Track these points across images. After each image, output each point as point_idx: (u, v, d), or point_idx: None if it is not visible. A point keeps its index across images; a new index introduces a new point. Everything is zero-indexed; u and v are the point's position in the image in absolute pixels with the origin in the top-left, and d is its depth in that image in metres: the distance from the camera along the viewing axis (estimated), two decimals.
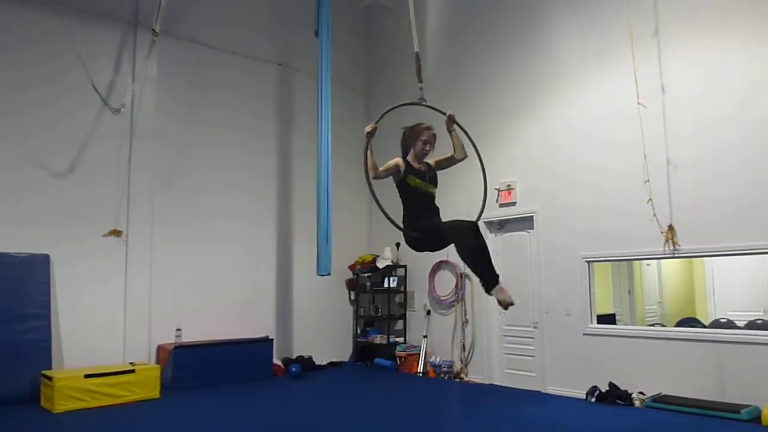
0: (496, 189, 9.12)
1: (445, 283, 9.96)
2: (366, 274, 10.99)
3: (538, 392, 8.28)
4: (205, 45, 9.69)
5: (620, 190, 7.67)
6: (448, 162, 5.36)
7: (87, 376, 7.17)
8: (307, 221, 10.01)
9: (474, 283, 9.51)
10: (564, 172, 8.35)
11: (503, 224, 9.28)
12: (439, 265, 10.04)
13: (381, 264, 10.67)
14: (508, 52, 9.30)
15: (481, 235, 4.81)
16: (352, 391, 8.72)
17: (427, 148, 5.16)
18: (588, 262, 8.06)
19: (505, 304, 4.63)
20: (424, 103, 5.45)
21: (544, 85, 8.71)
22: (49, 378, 7.02)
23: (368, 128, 4.84)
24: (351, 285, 11.34)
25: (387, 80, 11.54)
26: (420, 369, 9.85)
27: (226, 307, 9.50)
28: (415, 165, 5.11)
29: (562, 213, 8.34)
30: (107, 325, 8.32)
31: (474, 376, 9.35)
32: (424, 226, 4.96)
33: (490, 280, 4.62)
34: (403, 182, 5.03)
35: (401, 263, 10.71)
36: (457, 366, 9.55)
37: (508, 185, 9.02)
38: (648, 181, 7.26)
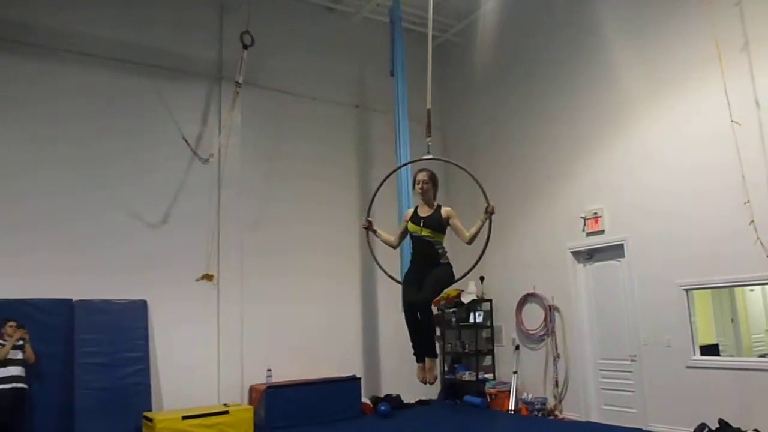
0: (581, 217, 8.87)
1: (533, 316, 9.68)
2: (451, 310, 10.85)
3: (640, 429, 7.82)
4: (285, 92, 10.05)
5: (717, 213, 7.25)
6: (456, 229, 5.21)
7: (185, 417, 7.41)
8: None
9: (564, 316, 9.21)
10: (654, 196, 8.00)
11: (592, 254, 8.96)
12: (525, 298, 9.79)
13: (466, 299, 10.51)
14: (583, 78, 9.10)
15: (431, 312, 5.09)
16: (442, 430, 8.55)
17: (419, 188, 5.27)
18: (686, 290, 7.62)
19: (425, 381, 5.18)
20: (426, 158, 5.57)
21: (624, 108, 8.45)
22: (150, 420, 7.29)
23: (364, 224, 5.36)
24: (436, 321, 11.21)
25: (462, 115, 11.56)
26: (511, 406, 9.54)
27: (314, 347, 9.62)
28: (421, 212, 5.21)
29: (655, 239, 7.96)
30: (202, 367, 8.59)
31: (569, 413, 8.97)
32: (405, 281, 5.23)
33: (429, 352, 5.21)
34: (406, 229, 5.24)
35: (486, 297, 10.51)
36: (551, 403, 9.19)
37: (595, 213, 8.74)
38: (748, 202, 6.83)
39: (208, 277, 8.83)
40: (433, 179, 5.25)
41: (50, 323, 7.54)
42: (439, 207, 5.18)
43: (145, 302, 8.26)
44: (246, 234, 9.31)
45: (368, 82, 11.10)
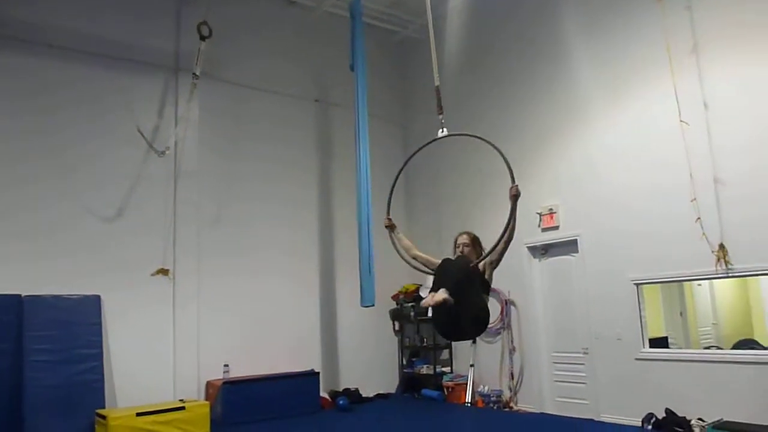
0: (537, 213, 9.05)
1: (490, 310, 9.78)
2: (410, 304, 10.94)
3: (591, 420, 8.05)
4: (243, 85, 9.96)
5: (666, 211, 7.49)
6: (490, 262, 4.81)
7: (139, 414, 7.28)
8: (349, 253, 10.08)
9: (520, 309, 9.38)
10: (607, 194, 8.22)
11: (547, 249, 9.16)
12: None
13: (424, 293, 10.58)
14: (541, 80, 9.30)
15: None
16: (400, 423, 8.64)
17: (459, 251, 5.01)
18: (637, 284, 7.86)
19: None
20: (442, 136, 5.43)
21: (582, 106, 8.65)
22: (104, 417, 7.15)
23: (385, 223, 5.11)
24: (395, 315, 11.30)
25: (423, 110, 11.59)
26: (468, 399, 9.69)
27: (271, 342, 9.57)
28: None
29: (607, 236, 8.18)
30: (157, 363, 8.46)
31: (524, 405, 9.16)
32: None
33: None
34: None
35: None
36: (506, 395, 9.37)
37: (550, 209, 8.92)
38: (695, 200, 7.09)
39: (163, 272, 8.69)
40: (474, 242, 5.04)
41: None
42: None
43: (98, 297, 8.08)
44: (203, 228, 9.19)
45: (328, 76, 11.07)
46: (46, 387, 7.31)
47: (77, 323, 7.80)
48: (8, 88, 7.91)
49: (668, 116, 7.39)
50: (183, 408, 7.68)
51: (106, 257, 8.28)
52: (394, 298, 11.17)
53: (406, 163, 5.73)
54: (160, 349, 8.53)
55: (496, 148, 5.08)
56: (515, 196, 4.78)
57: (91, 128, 8.42)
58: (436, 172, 10.96)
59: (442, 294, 4.21)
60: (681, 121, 7.16)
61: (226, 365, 8.97)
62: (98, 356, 7.84)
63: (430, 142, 5.44)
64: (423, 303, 4.47)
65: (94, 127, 8.46)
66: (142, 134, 8.51)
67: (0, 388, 7.17)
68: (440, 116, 5.57)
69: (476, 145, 9.23)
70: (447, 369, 10.46)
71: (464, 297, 4.32)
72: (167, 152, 8.68)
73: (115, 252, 8.36)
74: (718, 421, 6.76)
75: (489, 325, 9.39)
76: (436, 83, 5.88)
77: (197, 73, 8.58)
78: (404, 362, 11.13)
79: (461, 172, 10.57)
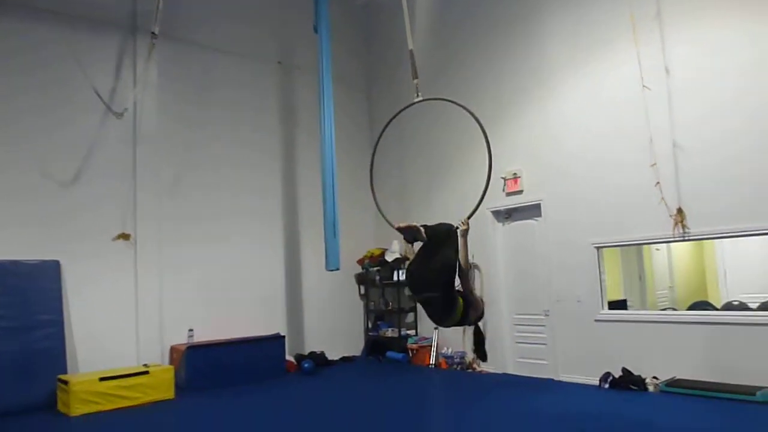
0: (502, 178, 9.10)
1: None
2: (375, 268, 11.00)
3: (551, 380, 8.28)
4: (204, 46, 9.71)
5: (627, 176, 7.62)
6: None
7: (102, 379, 7.24)
8: (314, 217, 10.05)
9: (483, 273, 9.50)
10: (570, 158, 8.31)
11: (510, 213, 9.26)
12: None
13: (390, 257, 10.66)
14: (505, 43, 9.26)
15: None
16: (365, 385, 8.75)
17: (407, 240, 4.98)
18: (597, 248, 8.02)
19: None
20: (417, 101, 5.51)
21: (546, 73, 8.66)
22: (65, 382, 7.08)
23: (464, 227, 4.81)
24: (360, 279, 11.36)
25: (387, 75, 11.52)
26: (432, 361, 9.86)
27: (236, 306, 9.55)
28: None
29: (570, 200, 8.30)
30: (120, 328, 8.38)
31: (486, 366, 9.34)
32: None
33: None
34: None
35: (410, 256, 10.67)
36: (469, 357, 9.54)
37: (514, 174, 8.99)
38: (655, 164, 7.22)
39: (124, 237, 8.54)
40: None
41: None
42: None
43: (57, 262, 7.91)
44: (164, 191, 9.02)
45: (291, 38, 10.85)
46: (5, 353, 7.20)
47: (36, 289, 7.65)
48: None
49: (630, 82, 7.46)
50: (147, 373, 7.64)
51: (66, 223, 8.09)
52: (359, 262, 11.21)
53: (385, 127, 5.74)
54: (123, 315, 8.44)
55: (473, 114, 5.27)
56: (465, 231, 4.80)
57: (45, 91, 8.12)
58: (401, 136, 10.91)
59: (416, 223, 4.59)
60: (643, 86, 7.24)
61: (190, 330, 8.93)
62: (58, 322, 7.73)
63: (408, 106, 5.53)
64: (395, 222, 4.76)
65: (49, 90, 8.15)
66: (98, 95, 8.24)
67: None
68: (415, 81, 5.63)
69: (442, 111, 9.24)
70: (412, 332, 10.60)
71: (437, 244, 4.56)
72: (125, 114, 8.44)
73: (74, 217, 8.17)
74: (671, 379, 7.03)
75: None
76: (410, 46, 5.88)
77: (156, 32, 8.31)
78: (369, 326, 11.24)
79: (426, 137, 10.55)
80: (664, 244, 9.61)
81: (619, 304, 8.59)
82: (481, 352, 5.06)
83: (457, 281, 4.75)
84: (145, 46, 8.59)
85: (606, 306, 8.02)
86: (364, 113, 11.56)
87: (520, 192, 8.95)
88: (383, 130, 5.76)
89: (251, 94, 10.28)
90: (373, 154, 5.67)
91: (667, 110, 7.21)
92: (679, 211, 7.09)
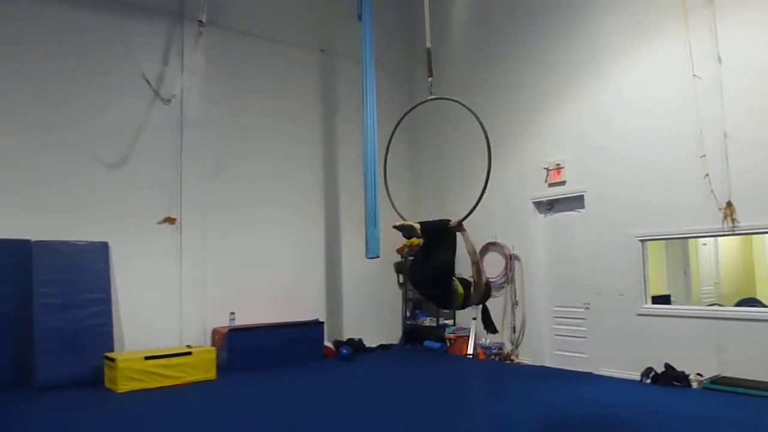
0: (544, 168, 8.99)
1: (494, 264, 9.86)
2: (414, 257, 10.97)
3: (590, 374, 8.17)
4: (249, 34, 9.82)
5: (674, 167, 7.44)
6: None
7: (147, 357, 7.45)
8: (354, 205, 10.13)
9: (524, 264, 9.42)
10: (615, 149, 8.14)
11: (553, 204, 9.13)
12: (487, 247, 9.96)
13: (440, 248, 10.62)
14: (552, 31, 9.10)
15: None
16: (402, 373, 8.79)
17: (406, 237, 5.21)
18: (642, 240, 7.86)
19: None
20: (430, 99, 5.60)
21: (593, 61, 8.49)
22: (112, 360, 7.31)
23: (455, 226, 4.91)
24: (399, 268, 11.38)
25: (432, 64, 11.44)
26: (470, 351, 9.84)
27: (277, 291, 9.69)
28: None
29: (614, 192, 8.14)
30: (164, 309, 8.60)
31: (524, 357, 9.29)
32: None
33: None
34: None
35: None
36: (507, 348, 9.49)
37: (557, 164, 8.86)
38: (704, 156, 7.02)
39: (170, 220, 8.75)
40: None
41: (8, 264, 7.42)
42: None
43: (105, 244, 8.16)
44: (209, 176, 9.20)
45: (335, 26, 10.89)
46: (56, 330, 7.48)
47: (85, 269, 7.91)
48: (12, 35, 7.82)
49: (680, 71, 7.27)
50: (190, 353, 7.84)
51: (113, 205, 8.34)
52: (399, 251, 11.23)
53: (396, 126, 5.80)
54: (167, 296, 8.66)
55: (475, 115, 5.45)
56: (459, 226, 4.93)
57: (96, 76, 8.37)
58: (438, 128, 10.87)
59: (411, 222, 4.81)
60: (694, 75, 7.04)
61: (232, 313, 9.10)
62: (106, 301, 7.98)
63: (415, 107, 5.67)
64: (394, 223, 4.95)
65: (99, 75, 8.40)
66: (147, 81, 8.45)
67: (11, 330, 7.36)
68: (429, 79, 5.70)
69: (479, 103, 9.20)
70: (450, 321, 10.58)
71: (434, 245, 4.75)
72: (173, 100, 8.62)
73: (121, 200, 8.41)
74: (716, 376, 6.87)
75: (492, 280, 9.51)
76: (427, 45, 5.86)
77: (203, 20, 8.46)
78: (407, 314, 11.27)
79: (464, 130, 10.45)
80: (711, 239, 9.36)
81: (662, 300, 8.40)
82: (490, 326, 5.24)
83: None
84: (193, 33, 8.76)
85: (649, 300, 7.87)
86: (406, 102, 11.49)
87: (563, 183, 8.83)
88: (396, 127, 5.80)
89: (294, 83, 10.37)
90: (387, 149, 5.71)
91: (718, 100, 7.00)
92: (729, 204, 6.89)
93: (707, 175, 6.99)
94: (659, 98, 7.66)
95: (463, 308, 5.11)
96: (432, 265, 4.73)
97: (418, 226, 4.83)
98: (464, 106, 5.28)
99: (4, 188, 7.61)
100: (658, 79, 7.69)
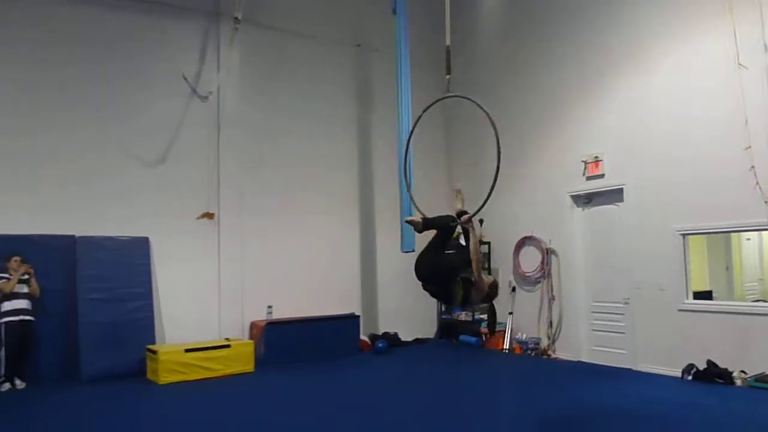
0: (582, 161, 8.86)
1: (531, 259, 9.79)
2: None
3: (629, 369, 8.03)
4: (284, 31, 9.88)
5: (718, 159, 7.24)
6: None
7: (188, 350, 7.62)
8: (389, 200, 10.15)
9: (561, 258, 9.31)
10: (656, 141, 7.97)
11: (591, 198, 8.99)
12: (523, 241, 9.89)
13: (464, 241, 10.59)
14: (590, 20, 8.93)
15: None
16: (438, 367, 8.80)
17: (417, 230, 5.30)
18: (683, 235, 7.69)
19: None
20: (445, 96, 5.69)
21: (634, 51, 8.31)
22: (154, 352, 7.48)
23: (465, 219, 4.99)
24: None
25: (464, 58, 11.36)
26: (506, 346, 9.79)
27: (313, 285, 9.78)
28: None
29: (655, 185, 7.97)
30: (203, 303, 8.76)
31: (561, 353, 9.20)
32: None
33: None
34: None
35: (485, 240, 10.61)
36: (544, 343, 9.41)
37: (596, 157, 8.72)
38: (749, 147, 6.82)
39: (208, 216, 8.90)
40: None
41: (53, 259, 7.65)
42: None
43: (146, 239, 8.35)
44: (246, 172, 9.32)
45: (369, 21, 10.87)
46: (99, 324, 7.70)
47: (127, 264, 8.11)
48: (60, 40, 8.06)
49: (725, 60, 7.07)
50: (228, 346, 7.99)
51: (154, 202, 8.53)
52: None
53: (418, 119, 5.84)
54: (206, 290, 8.82)
55: (486, 112, 5.34)
56: (467, 221, 5.00)
57: (136, 77, 8.57)
58: (476, 124, 10.78)
59: (417, 218, 5.06)
60: (739, 64, 6.84)
61: (269, 307, 9.23)
62: (147, 295, 8.16)
63: (434, 103, 5.63)
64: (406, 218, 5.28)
65: (140, 76, 8.60)
66: (186, 79, 8.60)
67: (57, 324, 7.61)
68: (447, 77, 5.78)
69: (515, 98, 9.09)
70: (485, 316, 10.52)
71: (442, 242, 4.94)
72: (210, 97, 8.75)
73: (161, 197, 8.60)
74: (761, 374, 6.69)
75: (528, 274, 9.44)
76: (447, 43, 5.85)
77: (238, 17, 8.54)
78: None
79: (503, 127, 10.35)
80: (755, 234, 9.11)
81: (703, 296, 8.19)
82: (491, 326, 5.89)
83: None
84: (228, 31, 8.86)
85: (691, 296, 7.70)
86: (440, 94, 11.47)
87: (602, 176, 8.68)
88: (416, 122, 5.88)
89: (329, 78, 10.41)
90: (408, 144, 5.99)
91: (765, 89, 6.78)
92: None
93: (753, 167, 6.79)
94: (702, 88, 7.46)
95: (464, 305, 5.46)
96: (437, 264, 4.85)
97: (420, 221, 5.03)
98: (475, 103, 5.33)
99: (50, 185, 7.85)
100: (700, 69, 7.49)
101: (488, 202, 5.03)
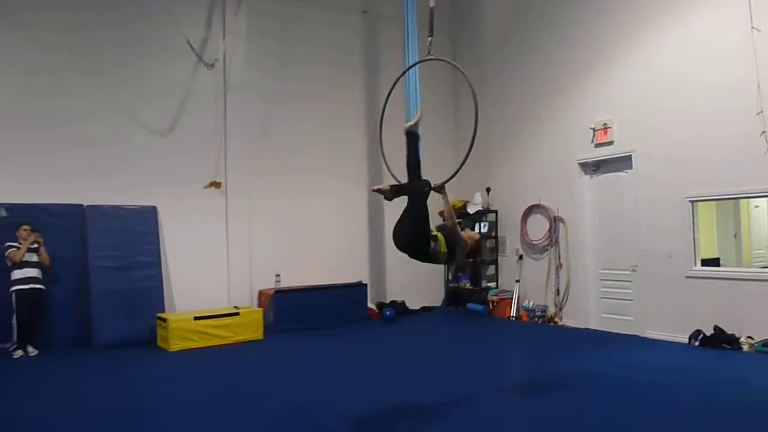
0: (591, 128, 8.78)
1: (538, 227, 9.77)
2: (457, 220, 10.93)
3: (636, 336, 8.07)
4: None
5: (728, 125, 7.15)
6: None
7: (197, 318, 7.69)
8: (397, 167, 10.07)
9: (568, 226, 9.30)
10: (665, 107, 7.87)
11: (599, 165, 8.93)
12: (531, 209, 9.86)
13: (471, 209, 10.60)
14: None
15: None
16: (445, 334, 8.86)
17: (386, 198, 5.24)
18: (692, 201, 7.64)
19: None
20: (429, 58, 5.68)
21: (642, 18, 8.16)
22: (164, 320, 7.56)
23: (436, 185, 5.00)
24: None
25: (472, 24, 11.22)
26: (513, 313, 9.84)
27: (321, 254, 9.81)
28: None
29: (664, 151, 7.90)
30: (212, 271, 8.82)
31: (568, 320, 9.23)
32: None
33: None
34: None
35: (492, 208, 10.60)
36: (551, 310, 9.45)
37: (605, 124, 8.63)
38: (761, 112, 6.73)
39: (215, 185, 8.89)
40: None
41: (62, 227, 7.70)
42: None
43: (155, 208, 8.37)
44: (254, 140, 9.28)
45: None
46: (110, 291, 7.77)
47: (136, 233, 8.15)
48: (65, 5, 7.98)
49: (738, 22, 6.93)
50: (237, 314, 8.05)
51: (161, 170, 8.52)
52: (440, 214, 11.17)
53: (392, 87, 6.11)
54: (215, 259, 8.87)
55: (464, 73, 5.48)
56: (440, 189, 5.05)
57: (142, 42, 8.49)
58: (484, 94, 10.69)
59: (385, 186, 5.08)
60: (752, 27, 6.70)
61: (277, 275, 9.27)
62: (156, 264, 8.22)
63: (414, 65, 6.04)
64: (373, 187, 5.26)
65: (146, 42, 8.52)
66: (191, 45, 8.49)
67: (68, 292, 7.70)
68: (429, 38, 5.71)
69: (519, 66, 8.98)
70: (492, 284, 10.57)
71: (412, 206, 4.83)
72: (216, 65, 8.68)
73: (168, 165, 8.58)
74: None
75: (536, 242, 9.43)
76: (432, 4, 5.77)
77: None
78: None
79: (509, 97, 10.27)
80: (764, 201, 9.06)
81: (711, 263, 8.18)
82: (475, 282, 5.25)
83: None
84: None
85: (699, 263, 7.69)
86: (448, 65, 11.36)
87: (611, 143, 8.61)
88: (391, 88, 6.10)
89: (336, 45, 10.30)
90: (382, 115, 6.11)
91: None
92: None
93: (764, 132, 6.71)
94: (713, 53, 7.34)
95: (449, 263, 5.64)
96: (409, 229, 4.84)
97: (389, 188, 5.03)
98: (455, 65, 5.55)
99: (56, 151, 7.83)
100: (712, 34, 7.36)
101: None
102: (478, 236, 5.34)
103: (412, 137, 5.13)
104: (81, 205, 7.87)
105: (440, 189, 4.98)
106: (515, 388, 5.61)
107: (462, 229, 5.27)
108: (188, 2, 8.85)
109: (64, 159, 7.86)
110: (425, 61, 5.67)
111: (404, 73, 5.62)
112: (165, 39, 8.60)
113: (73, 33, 8.00)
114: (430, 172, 5.07)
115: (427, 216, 4.82)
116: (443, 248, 4.89)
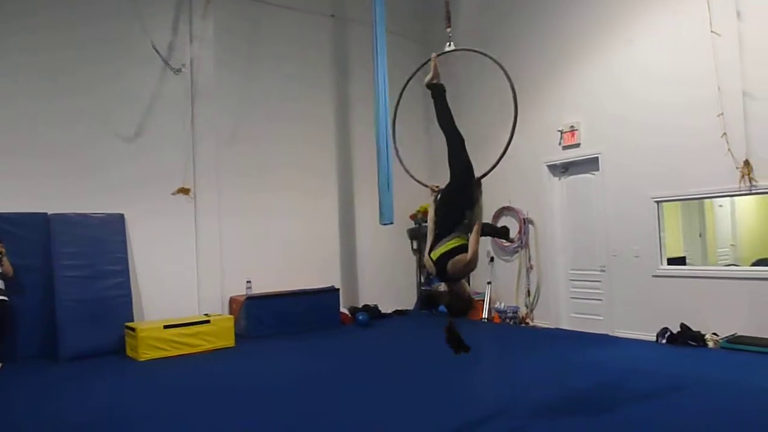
0: (558, 131, 8.90)
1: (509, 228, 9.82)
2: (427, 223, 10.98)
3: (606, 335, 8.19)
4: (258, 0, 9.67)
5: (691, 127, 7.32)
6: None
7: (166, 326, 7.57)
8: (367, 171, 10.10)
9: (538, 228, 9.40)
10: (630, 109, 8.02)
11: (567, 167, 9.06)
12: (501, 211, 9.95)
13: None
14: None
15: None
16: (417, 337, 8.88)
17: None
18: (657, 202, 7.80)
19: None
20: (449, 50, 5.60)
21: (608, 21, 8.32)
22: (133, 329, 7.43)
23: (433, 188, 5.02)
24: (413, 234, 11.40)
25: (443, 27, 11.24)
26: (485, 315, 9.90)
27: (292, 259, 9.76)
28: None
29: (629, 153, 8.05)
30: (181, 279, 8.71)
31: (540, 321, 9.33)
32: None
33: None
34: None
35: None
36: (523, 311, 9.54)
37: (572, 126, 8.76)
38: (722, 114, 6.90)
39: (184, 191, 8.78)
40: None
41: (25, 237, 7.49)
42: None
43: (122, 216, 8.23)
44: (222, 147, 9.20)
45: None
46: (77, 301, 7.59)
47: (103, 241, 7.99)
48: (25, 5, 7.77)
49: (698, 27, 7.11)
50: (208, 321, 7.95)
51: (128, 176, 8.37)
52: (412, 217, 11.23)
53: (407, 82, 5.87)
54: (184, 266, 8.75)
55: (498, 63, 5.42)
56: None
57: (108, 44, 8.32)
58: (455, 88, 10.72)
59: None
60: (712, 31, 6.88)
61: (248, 281, 9.19)
62: (125, 272, 8.07)
63: (440, 54, 5.44)
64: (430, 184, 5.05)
65: (111, 44, 8.35)
66: (156, 51, 8.40)
67: (33, 303, 7.49)
68: (448, 30, 5.60)
69: (492, 72, 9.05)
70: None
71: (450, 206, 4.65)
72: (183, 69, 8.59)
73: (136, 171, 8.44)
74: (732, 335, 6.87)
75: (507, 244, 9.47)
76: None
77: None
78: (422, 280, 11.32)
79: (480, 89, 10.34)
80: (728, 201, 9.28)
81: (677, 262, 8.35)
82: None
83: None
84: (201, 1, 8.64)
85: (665, 262, 7.84)
86: (419, 62, 11.33)
87: (578, 145, 8.74)
88: (406, 83, 5.89)
89: (305, 49, 10.27)
90: (396, 110, 5.86)
91: (737, 57, 6.84)
92: (746, 163, 6.80)
93: (724, 133, 6.89)
94: (675, 56, 7.51)
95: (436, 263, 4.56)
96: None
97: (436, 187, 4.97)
98: (491, 57, 5.32)
99: (17, 157, 7.61)
100: (674, 37, 7.53)
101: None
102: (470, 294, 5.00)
103: (436, 91, 4.92)
104: (45, 213, 7.68)
105: (477, 183, 4.74)
106: (491, 390, 5.64)
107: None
108: (154, 4, 8.72)
109: (25, 165, 7.65)
110: (450, 52, 5.59)
111: (423, 65, 5.47)
112: (132, 41, 8.47)
113: (38, 33, 7.78)
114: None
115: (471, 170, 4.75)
116: (456, 242, 4.42)
